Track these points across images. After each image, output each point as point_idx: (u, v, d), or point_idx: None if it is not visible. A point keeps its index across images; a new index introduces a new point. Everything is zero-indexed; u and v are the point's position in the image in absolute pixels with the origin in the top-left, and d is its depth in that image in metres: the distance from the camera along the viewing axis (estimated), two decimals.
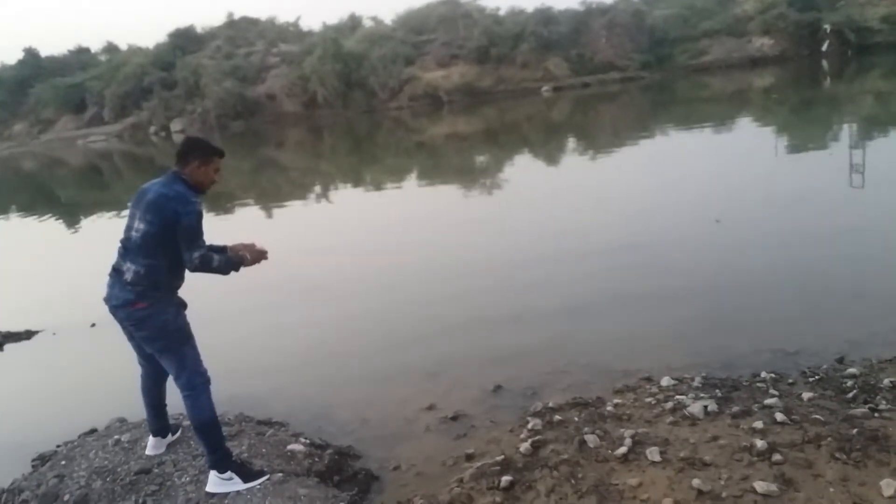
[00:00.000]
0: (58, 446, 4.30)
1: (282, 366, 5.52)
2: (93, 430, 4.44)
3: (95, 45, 52.04)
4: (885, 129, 14.27)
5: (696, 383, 4.20)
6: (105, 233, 12.01)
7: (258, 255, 3.49)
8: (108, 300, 3.37)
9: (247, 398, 4.75)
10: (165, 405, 3.85)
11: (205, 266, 3.24)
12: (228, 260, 3.35)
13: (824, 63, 31.81)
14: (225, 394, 4.10)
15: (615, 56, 36.40)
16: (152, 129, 40.99)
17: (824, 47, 33.68)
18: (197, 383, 3.39)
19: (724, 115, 19.54)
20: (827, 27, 33.50)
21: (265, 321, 6.64)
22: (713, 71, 34.15)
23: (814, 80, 27.83)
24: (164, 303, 3.35)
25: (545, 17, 39.00)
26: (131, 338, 3.52)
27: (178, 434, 4.02)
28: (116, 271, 3.35)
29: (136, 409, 4.16)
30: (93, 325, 6.75)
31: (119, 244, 3.37)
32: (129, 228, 3.32)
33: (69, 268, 9.98)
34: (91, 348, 6.42)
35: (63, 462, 3.99)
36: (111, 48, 50.15)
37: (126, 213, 3.44)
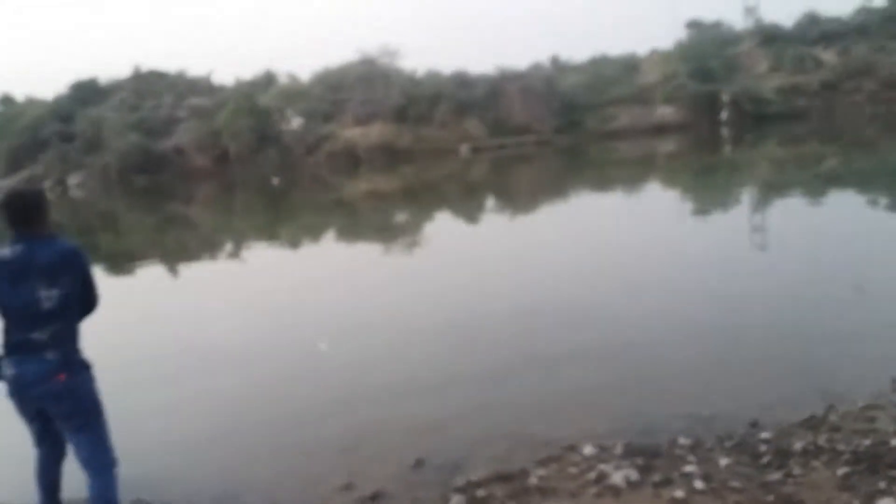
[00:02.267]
0: None
1: (182, 443, 5.08)
2: None
3: None
4: (783, 193, 15.31)
5: (617, 451, 4.15)
6: None
7: None
8: (18, 379, 3.00)
9: (142, 480, 4.33)
10: (60, 489, 3.46)
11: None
12: None
13: (724, 131, 34.05)
14: (119, 476, 3.71)
15: (530, 119, 37.63)
16: (48, 183, 38.60)
17: (723, 116, 36.01)
18: (111, 460, 3.17)
19: (632, 178, 20.50)
20: (725, 98, 35.96)
21: (162, 393, 6.11)
22: (622, 136, 35.56)
23: (714, 147, 29.71)
24: (83, 370, 3.12)
25: (462, 80, 40.08)
26: (35, 417, 3.16)
27: None
28: (23, 345, 2.99)
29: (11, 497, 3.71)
30: None
31: (9, 319, 3.03)
32: (32, 301, 2.96)
33: None
34: None
35: None
36: (6, 100, 47.37)
37: None
